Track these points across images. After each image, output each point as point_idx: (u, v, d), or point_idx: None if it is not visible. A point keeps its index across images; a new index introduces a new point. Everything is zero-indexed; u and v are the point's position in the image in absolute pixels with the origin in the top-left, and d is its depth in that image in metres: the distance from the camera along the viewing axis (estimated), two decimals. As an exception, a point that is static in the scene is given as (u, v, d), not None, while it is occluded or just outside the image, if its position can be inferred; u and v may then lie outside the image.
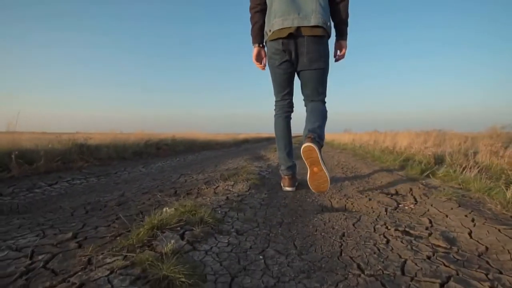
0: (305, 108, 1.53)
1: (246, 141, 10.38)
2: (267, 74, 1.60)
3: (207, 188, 1.68)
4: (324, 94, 1.48)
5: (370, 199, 1.35)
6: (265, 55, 1.54)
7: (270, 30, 1.39)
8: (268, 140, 15.17)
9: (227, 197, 1.37)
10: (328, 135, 12.30)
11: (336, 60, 1.55)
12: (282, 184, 1.64)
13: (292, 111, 1.59)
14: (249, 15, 1.50)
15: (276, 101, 1.58)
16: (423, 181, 1.74)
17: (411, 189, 1.52)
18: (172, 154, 4.39)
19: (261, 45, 1.52)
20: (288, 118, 1.58)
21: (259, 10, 1.45)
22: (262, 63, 1.56)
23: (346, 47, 1.50)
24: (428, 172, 1.85)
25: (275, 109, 1.59)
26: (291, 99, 1.57)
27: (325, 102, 1.50)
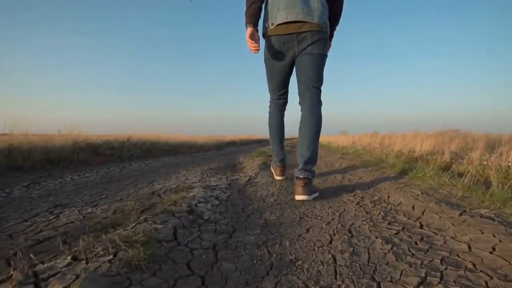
0: (298, 105, 1.49)
1: (232, 144, 9.21)
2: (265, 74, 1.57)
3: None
4: (321, 82, 1.42)
5: None
6: (259, 38, 1.43)
7: (272, 24, 1.33)
8: (260, 142, 13.72)
9: None
10: (324, 138, 11.17)
11: None
12: (273, 172, 1.80)
13: (285, 108, 1.64)
14: None
15: (272, 99, 1.61)
16: None
17: None
18: (113, 161, 3.22)
19: (255, 27, 1.36)
20: (281, 113, 1.63)
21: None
22: (257, 44, 1.36)
23: (330, 46, 1.55)
24: None
25: (270, 106, 1.63)
26: (287, 97, 1.61)
27: (320, 91, 1.43)
